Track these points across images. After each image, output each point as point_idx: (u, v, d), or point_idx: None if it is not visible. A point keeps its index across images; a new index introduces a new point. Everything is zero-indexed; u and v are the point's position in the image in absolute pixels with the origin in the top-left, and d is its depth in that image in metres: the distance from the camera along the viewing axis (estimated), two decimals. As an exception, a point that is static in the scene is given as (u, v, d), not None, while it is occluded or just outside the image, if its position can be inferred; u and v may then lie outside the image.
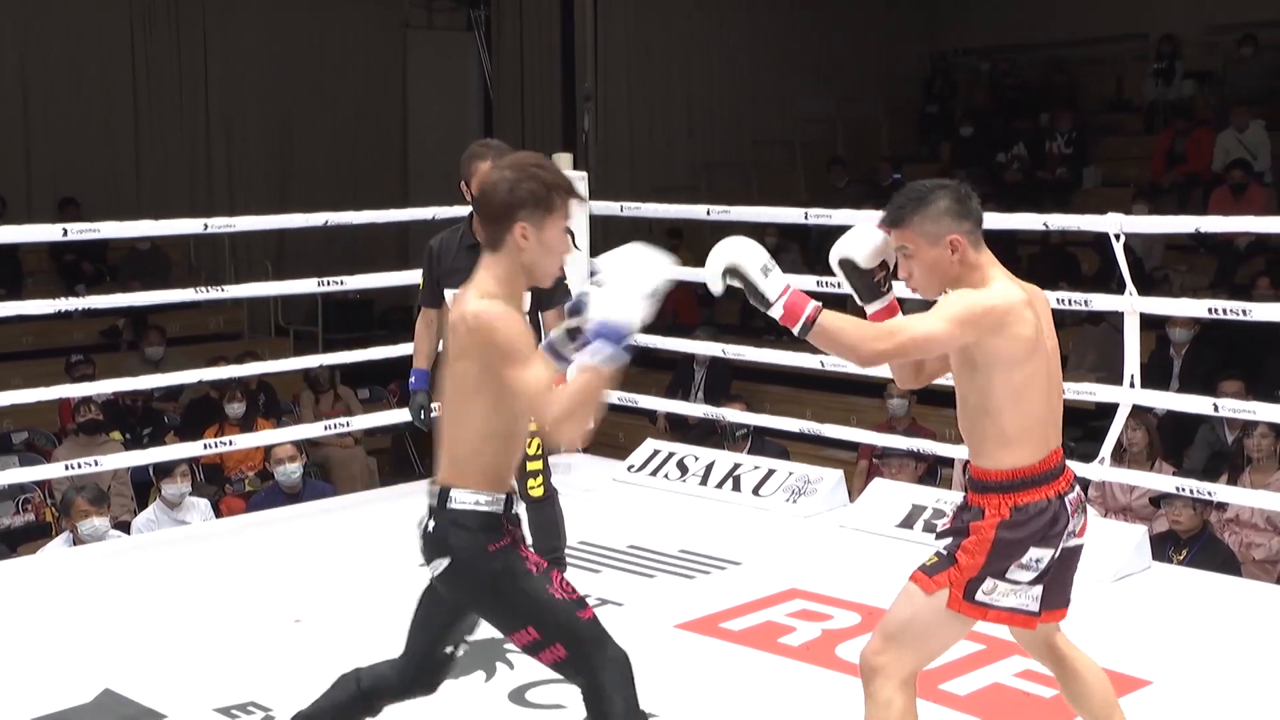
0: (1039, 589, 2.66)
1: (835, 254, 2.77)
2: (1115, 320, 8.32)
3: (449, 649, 2.81)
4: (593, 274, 2.58)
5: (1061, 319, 11.02)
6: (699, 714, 3.42)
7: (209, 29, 11.82)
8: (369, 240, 10.86)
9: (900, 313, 2.77)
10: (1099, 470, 4.83)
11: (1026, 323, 2.62)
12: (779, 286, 2.60)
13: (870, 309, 2.82)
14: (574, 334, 2.60)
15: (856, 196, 11.29)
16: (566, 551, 4.22)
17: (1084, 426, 7.95)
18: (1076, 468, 5.04)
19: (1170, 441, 6.93)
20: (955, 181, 2.77)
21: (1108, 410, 5.08)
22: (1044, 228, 5.23)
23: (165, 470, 6.01)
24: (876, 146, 13.60)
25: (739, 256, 2.62)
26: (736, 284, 2.65)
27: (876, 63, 14.14)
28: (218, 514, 6.38)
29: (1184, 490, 4.97)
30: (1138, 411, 5.66)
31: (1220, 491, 4.97)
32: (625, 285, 2.51)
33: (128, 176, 11.52)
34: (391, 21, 12.85)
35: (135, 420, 8.59)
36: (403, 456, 10.12)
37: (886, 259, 2.77)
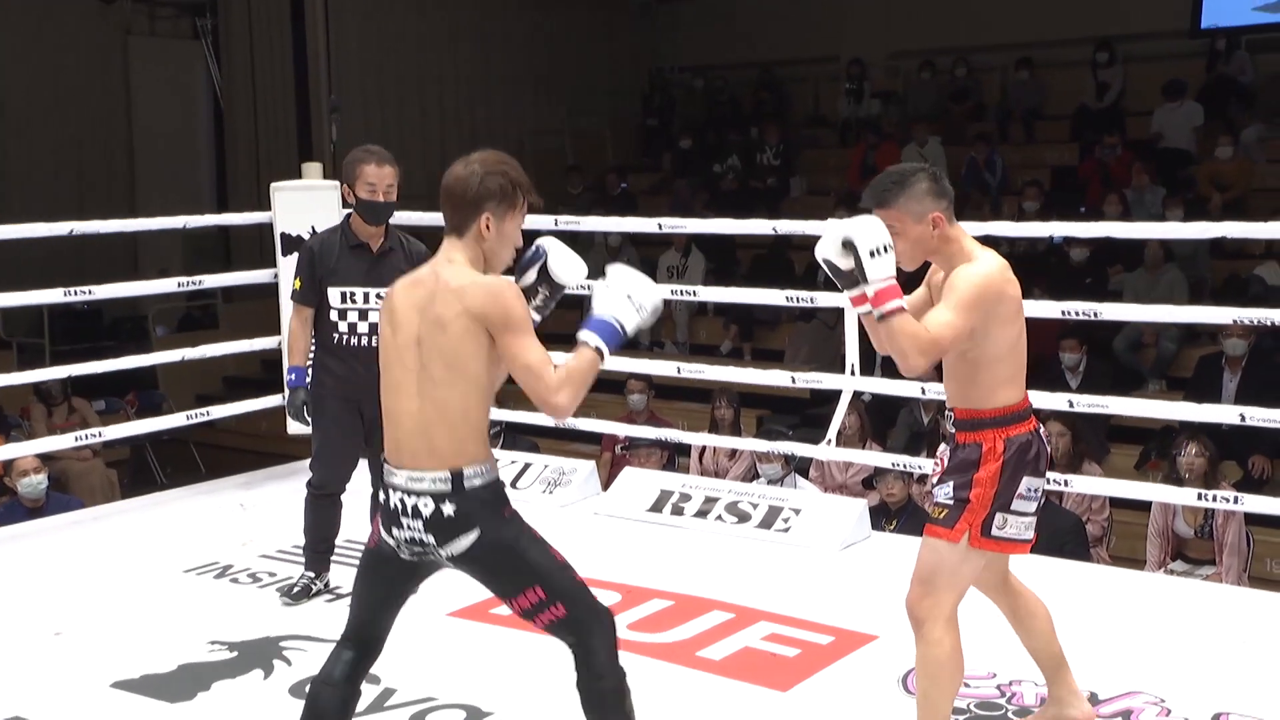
0: (1034, 518, 2.85)
1: (818, 254, 2.80)
2: (825, 317, 8.82)
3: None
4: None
5: (779, 316, 11.39)
6: (474, 693, 3.46)
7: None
8: (97, 250, 10.20)
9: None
10: (827, 451, 5.09)
11: (1014, 283, 2.79)
12: (882, 273, 2.67)
13: (850, 294, 2.80)
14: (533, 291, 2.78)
15: (588, 203, 11.46)
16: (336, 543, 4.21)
17: (801, 414, 8.32)
18: (804, 450, 5.33)
19: (876, 424, 7.38)
20: (927, 164, 2.91)
21: (824, 398, 5.36)
22: (773, 233, 5.47)
23: (-105, 490, 5.53)
24: (604, 157, 13.75)
25: (859, 233, 2.69)
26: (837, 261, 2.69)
27: (600, 78, 14.28)
28: (-46, 532, 5.90)
29: (898, 465, 5.34)
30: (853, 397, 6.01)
31: (928, 465, 5.32)
32: (634, 297, 2.68)
33: None
34: (112, 28, 12.14)
35: None
36: (143, 467, 9.62)
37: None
